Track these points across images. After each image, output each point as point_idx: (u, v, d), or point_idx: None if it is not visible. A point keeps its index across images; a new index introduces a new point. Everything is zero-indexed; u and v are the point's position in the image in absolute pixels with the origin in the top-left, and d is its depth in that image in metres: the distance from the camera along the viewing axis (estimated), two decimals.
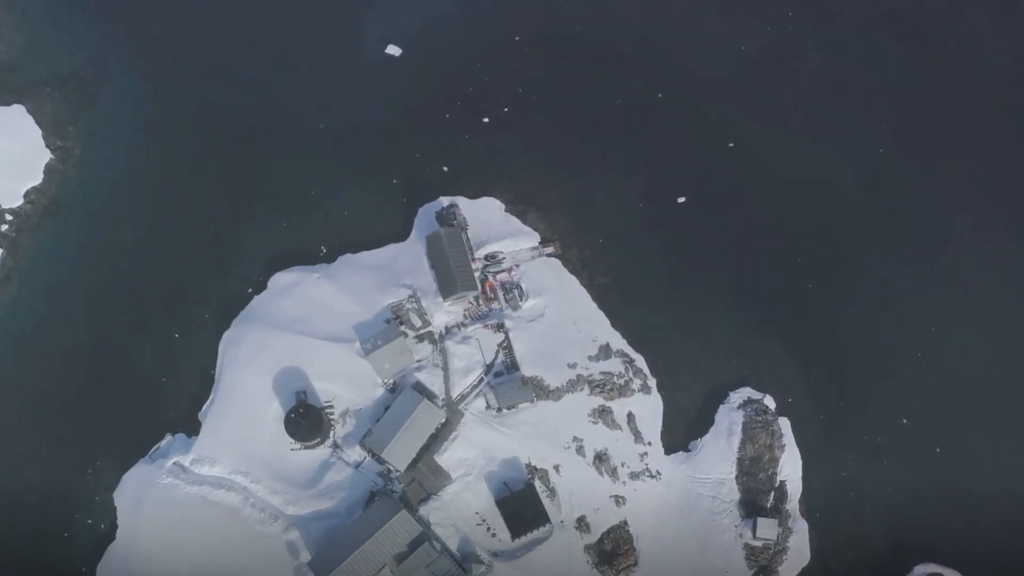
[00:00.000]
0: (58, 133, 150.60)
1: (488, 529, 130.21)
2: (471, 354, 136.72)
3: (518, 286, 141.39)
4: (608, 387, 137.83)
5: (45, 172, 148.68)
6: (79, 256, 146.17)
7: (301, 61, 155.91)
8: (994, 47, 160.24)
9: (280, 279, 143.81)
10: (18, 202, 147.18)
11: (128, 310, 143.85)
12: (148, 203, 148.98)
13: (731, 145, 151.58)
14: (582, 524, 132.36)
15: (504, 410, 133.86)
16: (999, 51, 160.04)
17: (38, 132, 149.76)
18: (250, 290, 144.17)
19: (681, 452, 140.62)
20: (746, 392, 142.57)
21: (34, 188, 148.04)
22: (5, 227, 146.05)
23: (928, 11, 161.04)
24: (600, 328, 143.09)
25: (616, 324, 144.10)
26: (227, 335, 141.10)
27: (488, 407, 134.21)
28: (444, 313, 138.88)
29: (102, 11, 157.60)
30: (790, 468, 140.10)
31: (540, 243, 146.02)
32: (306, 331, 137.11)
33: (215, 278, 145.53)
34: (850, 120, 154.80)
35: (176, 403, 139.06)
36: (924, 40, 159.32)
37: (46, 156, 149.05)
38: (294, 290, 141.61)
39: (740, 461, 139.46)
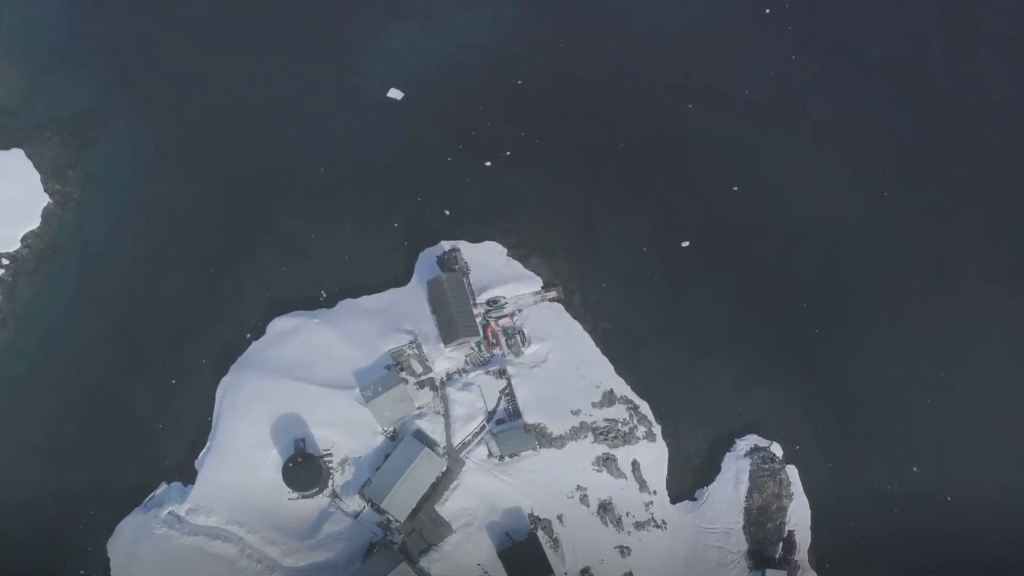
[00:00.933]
0: (57, 177, 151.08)
1: None
2: (473, 401, 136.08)
3: (520, 331, 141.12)
4: (612, 434, 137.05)
5: (43, 216, 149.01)
6: (76, 301, 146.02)
7: (302, 104, 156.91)
8: (998, 92, 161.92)
9: (279, 324, 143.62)
10: (15, 246, 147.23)
11: (125, 355, 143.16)
12: (146, 247, 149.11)
13: (735, 189, 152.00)
14: None
15: (506, 458, 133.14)
16: (1003, 96, 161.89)
17: (36, 176, 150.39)
18: (248, 335, 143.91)
19: (687, 501, 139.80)
20: (753, 439, 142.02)
21: (32, 232, 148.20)
22: (1, 271, 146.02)
23: (931, 56, 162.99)
24: (604, 374, 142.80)
25: (620, 370, 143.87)
26: (225, 381, 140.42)
27: (490, 455, 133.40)
28: (445, 359, 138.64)
29: (103, 54, 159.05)
30: (799, 517, 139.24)
31: (542, 288, 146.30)
32: (305, 377, 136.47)
33: (213, 323, 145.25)
34: (854, 164, 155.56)
35: (172, 450, 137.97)
36: (928, 84, 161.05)
37: (44, 200, 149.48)
38: (293, 336, 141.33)
39: (747, 510, 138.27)
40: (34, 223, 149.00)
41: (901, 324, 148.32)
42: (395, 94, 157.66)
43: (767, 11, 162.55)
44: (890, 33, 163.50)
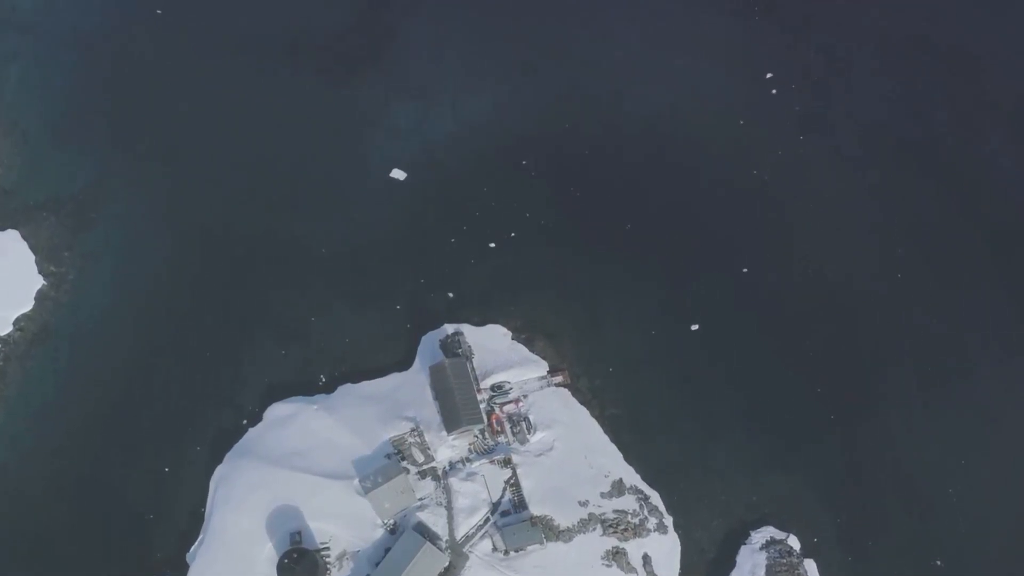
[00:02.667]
0: (52, 259, 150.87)
1: None
2: (476, 492, 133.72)
3: (526, 418, 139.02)
4: (622, 526, 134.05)
5: (36, 299, 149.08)
6: (67, 385, 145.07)
7: (304, 185, 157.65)
8: (1009, 170, 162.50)
9: (277, 410, 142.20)
10: (7, 329, 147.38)
11: (117, 442, 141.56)
12: (142, 330, 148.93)
13: (745, 271, 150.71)
14: None
15: (512, 553, 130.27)
16: (1015, 172, 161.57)
17: (31, 258, 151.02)
18: (245, 422, 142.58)
19: None
20: (769, 531, 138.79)
21: (24, 315, 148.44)
22: None
23: (941, 134, 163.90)
24: (612, 462, 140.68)
25: (629, 458, 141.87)
26: (219, 470, 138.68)
27: (495, 549, 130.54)
28: (448, 448, 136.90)
29: (104, 135, 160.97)
30: None
31: (548, 372, 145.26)
32: (302, 467, 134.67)
33: (209, 409, 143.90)
34: (866, 244, 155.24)
35: (164, 542, 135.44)
36: (938, 163, 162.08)
37: (38, 282, 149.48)
38: (291, 422, 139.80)
39: None
40: (27, 306, 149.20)
41: (919, 408, 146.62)
42: (398, 175, 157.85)
43: (773, 92, 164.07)
44: (898, 112, 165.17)
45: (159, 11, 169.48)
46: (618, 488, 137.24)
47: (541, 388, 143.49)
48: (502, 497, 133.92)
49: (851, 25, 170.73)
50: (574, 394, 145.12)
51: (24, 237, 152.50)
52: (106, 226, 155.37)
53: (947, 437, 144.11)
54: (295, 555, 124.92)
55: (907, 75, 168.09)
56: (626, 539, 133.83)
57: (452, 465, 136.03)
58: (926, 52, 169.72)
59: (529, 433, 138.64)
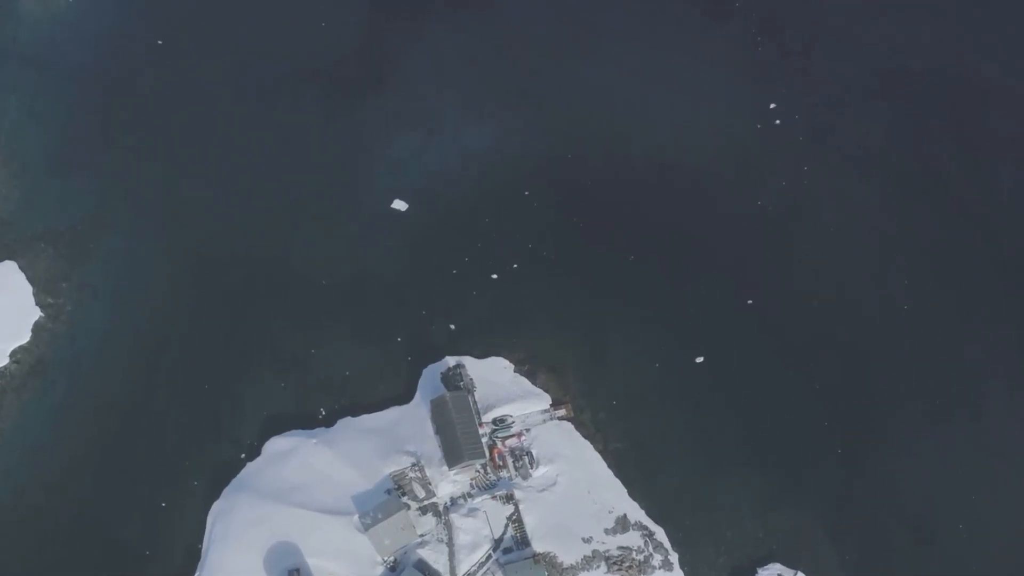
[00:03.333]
0: (49, 290, 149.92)
1: None
2: (478, 528, 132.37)
3: (528, 453, 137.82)
4: (627, 563, 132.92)
5: (33, 330, 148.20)
6: (64, 418, 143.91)
7: (305, 215, 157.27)
8: (1017, 203, 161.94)
9: (276, 444, 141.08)
10: (3, 362, 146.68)
11: (113, 476, 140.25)
12: (139, 363, 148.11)
13: (750, 302, 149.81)
14: None
15: None
16: (1022, 207, 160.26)
17: (29, 289, 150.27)
18: (243, 456, 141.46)
19: None
20: (776, 568, 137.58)
21: (21, 347, 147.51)
22: None
23: (946, 166, 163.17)
24: (617, 498, 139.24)
25: (634, 493, 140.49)
26: (216, 506, 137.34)
27: None
28: (449, 483, 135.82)
29: (102, 166, 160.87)
30: None
31: (551, 406, 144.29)
32: (301, 502, 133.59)
33: (207, 443, 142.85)
34: (871, 276, 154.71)
35: None
36: (944, 193, 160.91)
37: (35, 314, 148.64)
38: (290, 457, 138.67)
39: None
40: (24, 338, 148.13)
41: (927, 442, 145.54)
42: (399, 205, 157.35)
43: (777, 122, 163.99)
44: (903, 141, 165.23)
45: (160, 41, 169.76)
46: (622, 524, 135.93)
47: (544, 422, 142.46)
48: (504, 533, 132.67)
49: (854, 54, 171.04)
50: (577, 428, 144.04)
51: (22, 268, 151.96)
52: (104, 257, 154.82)
53: (956, 471, 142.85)
54: None
55: (911, 104, 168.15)
56: None
57: (453, 501, 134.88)
58: (930, 81, 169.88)
59: (532, 468, 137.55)
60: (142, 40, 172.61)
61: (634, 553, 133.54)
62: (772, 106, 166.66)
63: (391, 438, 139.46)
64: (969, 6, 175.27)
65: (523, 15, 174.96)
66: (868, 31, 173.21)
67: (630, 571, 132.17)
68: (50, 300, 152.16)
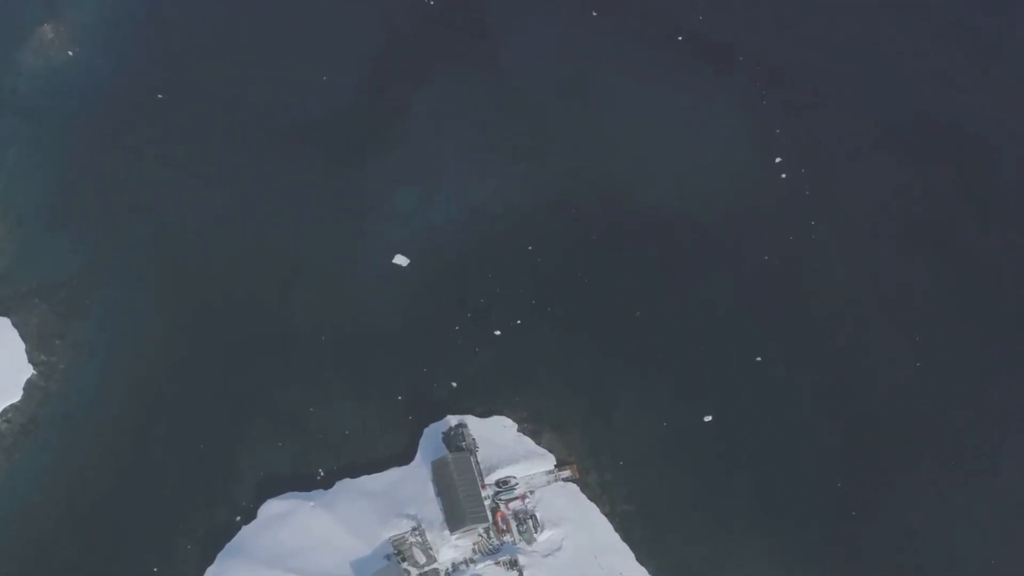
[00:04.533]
0: (43, 347, 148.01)
1: None
2: None
3: (532, 516, 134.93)
4: None
5: (25, 389, 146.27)
6: (55, 478, 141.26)
7: (304, 270, 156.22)
8: None
9: (272, 507, 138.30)
10: None
11: (103, 539, 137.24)
12: (133, 421, 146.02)
13: (759, 359, 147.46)
14: None
15: None
16: None
17: (21, 346, 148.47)
18: (239, 518, 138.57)
19: None
20: None
21: (12, 406, 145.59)
22: None
23: (955, 219, 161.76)
24: (625, 563, 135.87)
25: (642, 557, 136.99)
26: (211, 571, 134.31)
27: None
28: (451, 547, 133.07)
29: (99, 220, 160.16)
30: None
31: (556, 466, 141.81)
32: (298, 568, 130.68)
33: (201, 504, 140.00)
34: (881, 333, 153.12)
35: None
36: (953, 249, 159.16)
37: (28, 372, 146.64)
38: (287, 520, 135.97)
39: None
40: (16, 396, 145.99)
41: (944, 502, 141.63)
42: (400, 260, 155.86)
43: (783, 176, 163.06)
44: (911, 195, 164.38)
45: (160, 96, 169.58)
46: None
47: (548, 483, 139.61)
48: None
49: (861, 107, 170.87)
50: (583, 489, 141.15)
51: (15, 325, 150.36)
52: (99, 313, 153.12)
53: (975, 530, 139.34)
54: None
55: (919, 157, 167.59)
56: None
57: (455, 567, 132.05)
58: (937, 133, 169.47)
59: (536, 531, 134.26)
60: (142, 94, 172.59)
61: None
62: (778, 160, 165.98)
63: (391, 501, 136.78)
64: (977, 59, 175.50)
65: (525, 69, 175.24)
66: (875, 84, 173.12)
67: None
68: (43, 357, 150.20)
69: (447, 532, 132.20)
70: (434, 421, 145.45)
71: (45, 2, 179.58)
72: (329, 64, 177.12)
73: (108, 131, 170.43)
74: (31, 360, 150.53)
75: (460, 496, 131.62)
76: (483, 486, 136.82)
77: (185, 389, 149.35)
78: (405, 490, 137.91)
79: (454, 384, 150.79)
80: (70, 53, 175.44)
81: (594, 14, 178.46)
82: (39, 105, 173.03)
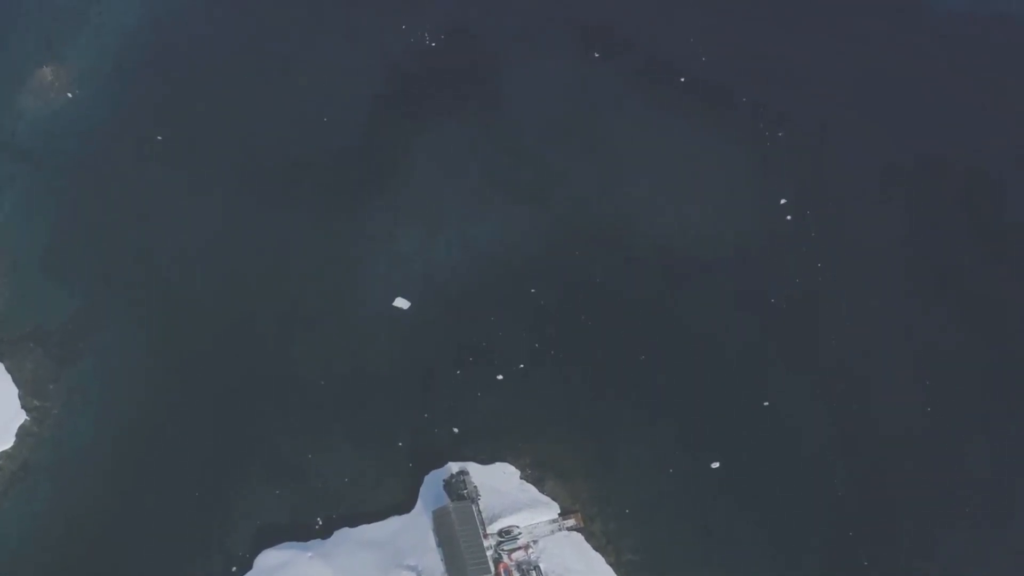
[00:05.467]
0: (36, 392, 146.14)
1: None
2: None
3: (536, 567, 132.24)
4: None
5: (18, 435, 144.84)
6: (45, 526, 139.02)
7: (302, 314, 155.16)
8: None
9: (269, 557, 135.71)
10: None
11: None
12: (127, 468, 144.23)
13: (766, 404, 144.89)
14: None
15: None
16: None
17: (14, 391, 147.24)
18: (234, 569, 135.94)
19: None
20: None
21: (4, 452, 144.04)
22: None
23: (964, 262, 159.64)
24: None
25: None
26: None
27: None
28: None
29: (96, 263, 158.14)
30: None
31: (560, 515, 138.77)
32: None
33: (196, 555, 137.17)
34: (890, 376, 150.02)
35: None
36: (962, 292, 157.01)
37: (21, 418, 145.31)
38: (284, 571, 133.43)
39: None
40: (8, 443, 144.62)
41: (958, 550, 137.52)
42: (401, 303, 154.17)
43: (788, 217, 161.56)
44: (918, 237, 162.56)
45: (159, 137, 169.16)
46: None
47: (552, 532, 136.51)
48: None
49: (866, 147, 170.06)
50: (588, 539, 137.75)
51: (8, 370, 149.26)
52: (94, 358, 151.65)
53: None
54: None
55: (925, 197, 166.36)
56: None
57: None
58: (944, 172, 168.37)
59: None
60: (142, 135, 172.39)
61: None
62: (783, 201, 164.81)
63: (391, 551, 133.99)
64: (983, 94, 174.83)
65: (527, 109, 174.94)
66: (880, 124, 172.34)
67: None
68: (36, 403, 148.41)
69: None
70: (435, 468, 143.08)
71: (45, 45, 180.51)
72: (330, 104, 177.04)
73: (106, 173, 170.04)
74: (24, 406, 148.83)
75: (462, 547, 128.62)
76: (485, 536, 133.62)
77: (180, 435, 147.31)
78: (405, 540, 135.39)
79: (455, 430, 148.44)
80: (69, 95, 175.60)
81: (596, 55, 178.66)
82: (37, 147, 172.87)
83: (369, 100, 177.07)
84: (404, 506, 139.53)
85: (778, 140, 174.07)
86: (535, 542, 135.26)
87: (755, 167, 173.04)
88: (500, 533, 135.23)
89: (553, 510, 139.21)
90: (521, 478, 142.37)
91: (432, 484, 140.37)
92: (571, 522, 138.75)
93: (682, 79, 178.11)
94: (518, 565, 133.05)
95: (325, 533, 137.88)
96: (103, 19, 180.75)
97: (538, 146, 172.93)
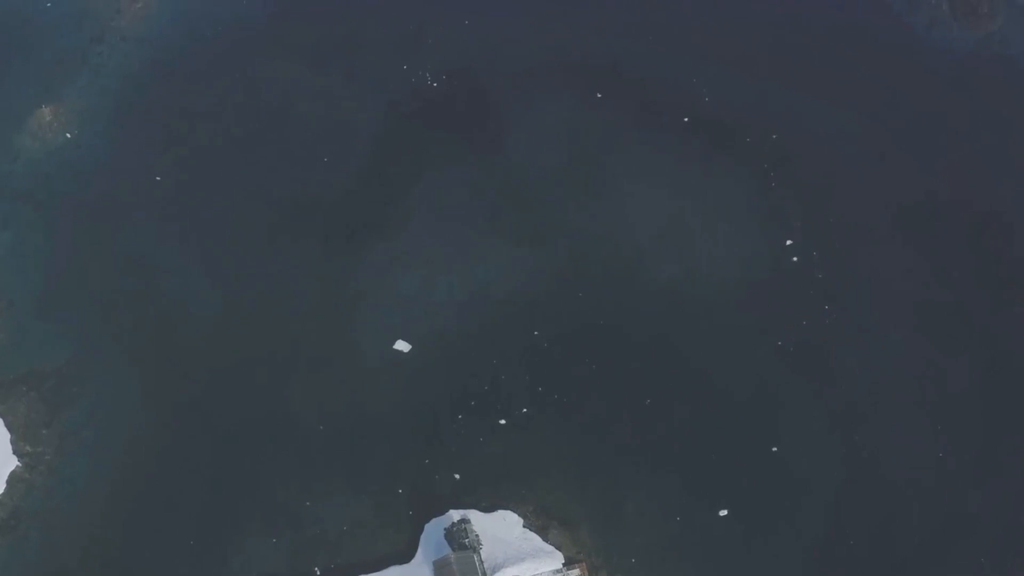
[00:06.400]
0: (28, 438, 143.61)
1: None
2: None
3: None
4: None
5: (8, 482, 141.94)
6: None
7: (301, 357, 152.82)
8: None
9: None
10: None
11: None
12: (120, 516, 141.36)
13: (775, 450, 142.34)
14: None
15: None
16: None
17: (7, 437, 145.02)
18: None
19: None
20: None
21: None
22: None
23: (971, 305, 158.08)
24: None
25: None
26: None
27: None
28: None
29: (93, 305, 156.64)
30: None
31: (564, 565, 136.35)
32: None
33: None
34: (901, 421, 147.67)
35: None
36: (970, 335, 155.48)
37: (12, 464, 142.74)
38: None
39: None
40: None
41: None
42: (402, 346, 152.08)
43: (794, 259, 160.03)
44: (925, 279, 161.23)
45: (158, 178, 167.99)
46: None
47: None
48: None
49: (871, 188, 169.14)
50: None
51: (1, 414, 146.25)
52: (89, 402, 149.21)
53: None
54: None
55: (932, 238, 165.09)
56: None
57: None
58: (950, 213, 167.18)
59: None
60: (140, 176, 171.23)
61: None
62: (788, 243, 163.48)
63: None
64: (990, 135, 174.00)
65: (529, 151, 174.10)
66: (886, 164, 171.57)
67: None
68: (28, 448, 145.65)
69: None
70: (436, 516, 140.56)
71: (44, 86, 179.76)
72: (330, 145, 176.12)
73: (104, 214, 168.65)
74: (16, 451, 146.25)
75: None
76: None
77: (175, 482, 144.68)
78: None
79: (457, 476, 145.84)
80: (68, 136, 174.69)
81: (599, 96, 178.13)
82: (35, 188, 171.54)
83: (370, 140, 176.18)
84: (404, 555, 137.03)
85: (783, 180, 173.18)
86: None
87: (760, 208, 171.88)
88: None
89: (557, 560, 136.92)
90: (524, 526, 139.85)
91: (433, 532, 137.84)
92: (576, 572, 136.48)
93: (685, 119, 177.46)
94: None
95: None
96: (104, 60, 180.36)
97: (540, 187, 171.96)
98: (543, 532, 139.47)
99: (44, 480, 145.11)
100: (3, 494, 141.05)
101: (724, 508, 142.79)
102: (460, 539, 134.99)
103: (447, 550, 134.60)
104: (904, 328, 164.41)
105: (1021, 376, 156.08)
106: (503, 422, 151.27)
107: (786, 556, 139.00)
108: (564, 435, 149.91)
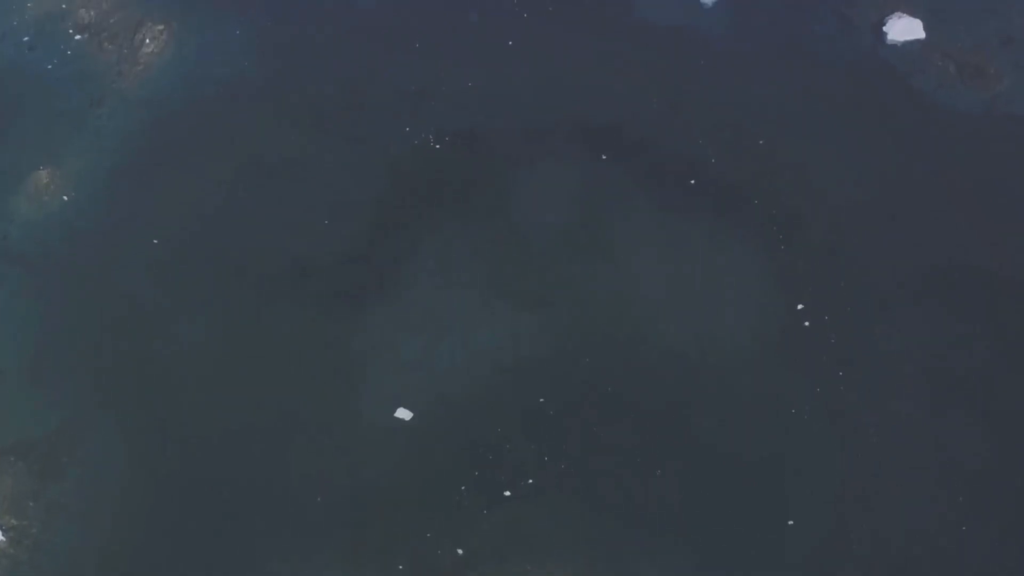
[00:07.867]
0: (14, 511, 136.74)
1: None
2: None
3: None
4: None
5: None
6: None
7: (299, 425, 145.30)
8: None
9: None
10: None
11: None
12: None
13: (791, 523, 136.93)
14: None
15: None
16: None
17: None
18: None
19: None
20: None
21: None
22: None
23: (993, 372, 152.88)
24: None
25: None
26: None
27: None
28: None
29: (85, 372, 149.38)
30: None
31: None
32: None
33: None
34: (920, 492, 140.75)
35: None
36: (991, 404, 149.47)
37: None
38: None
39: None
40: None
41: None
42: (403, 414, 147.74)
43: (806, 324, 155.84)
44: (944, 344, 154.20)
45: (155, 241, 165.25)
46: None
47: None
48: None
49: (884, 251, 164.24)
50: None
51: None
52: (78, 473, 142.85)
53: None
54: None
55: (949, 303, 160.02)
56: None
57: None
58: (967, 278, 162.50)
59: None
60: (136, 239, 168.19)
61: None
62: (800, 307, 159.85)
63: None
64: (1007, 198, 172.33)
65: (533, 213, 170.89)
66: (897, 226, 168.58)
67: None
68: (14, 522, 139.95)
69: None
70: None
71: (43, 148, 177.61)
72: (331, 207, 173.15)
73: (99, 278, 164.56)
74: (1, 525, 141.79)
75: None
76: None
77: (166, 558, 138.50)
78: None
79: (460, 551, 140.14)
80: (65, 198, 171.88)
81: (604, 157, 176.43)
82: (29, 251, 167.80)
83: (371, 203, 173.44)
84: None
85: (792, 243, 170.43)
86: None
87: (770, 271, 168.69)
88: None
89: None
90: None
91: None
92: None
93: (692, 181, 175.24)
94: None
95: None
96: (103, 122, 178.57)
97: (545, 250, 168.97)
98: None
99: (29, 556, 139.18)
100: None
101: None
102: None
103: None
104: (921, 395, 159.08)
105: None
106: (508, 493, 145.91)
107: None
108: (571, 507, 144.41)
